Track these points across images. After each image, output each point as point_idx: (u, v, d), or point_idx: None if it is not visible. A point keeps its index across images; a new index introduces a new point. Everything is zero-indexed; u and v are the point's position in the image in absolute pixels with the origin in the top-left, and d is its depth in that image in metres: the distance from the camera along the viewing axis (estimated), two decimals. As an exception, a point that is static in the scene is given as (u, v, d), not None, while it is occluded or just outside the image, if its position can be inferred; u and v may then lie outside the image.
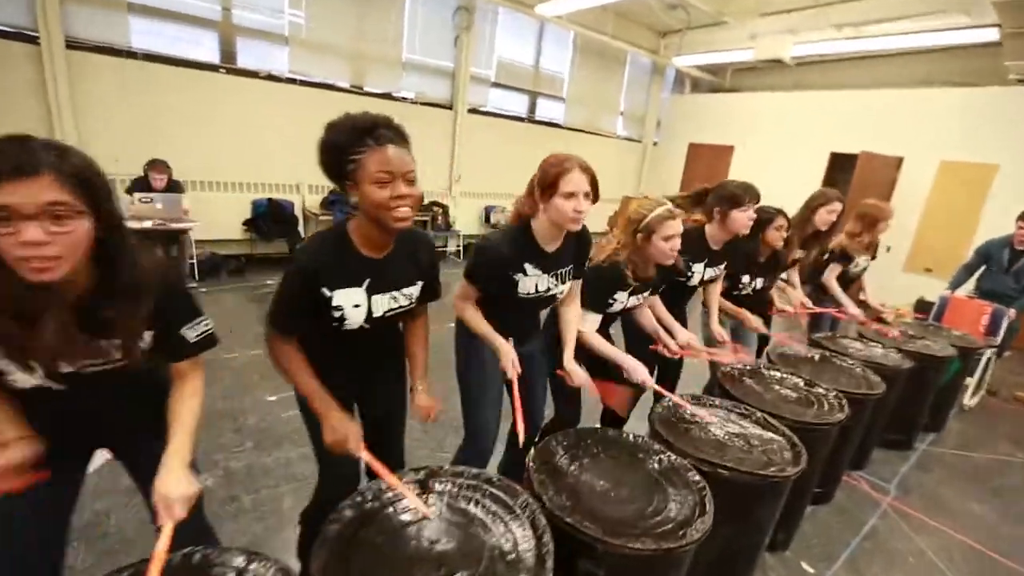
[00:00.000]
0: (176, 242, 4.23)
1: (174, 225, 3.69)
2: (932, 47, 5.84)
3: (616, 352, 1.81)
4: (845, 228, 2.96)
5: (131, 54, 4.46)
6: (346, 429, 1.17)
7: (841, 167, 6.59)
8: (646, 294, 1.98)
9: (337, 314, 1.17)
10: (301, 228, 5.47)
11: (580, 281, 1.71)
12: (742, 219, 2.12)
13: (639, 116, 8.93)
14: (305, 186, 5.56)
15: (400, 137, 1.10)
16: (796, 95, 7.24)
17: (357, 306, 1.19)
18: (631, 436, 1.52)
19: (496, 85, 6.96)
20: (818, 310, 2.89)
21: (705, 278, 2.27)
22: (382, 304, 1.24)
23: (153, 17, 4.51)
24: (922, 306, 5.36)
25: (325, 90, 5.51)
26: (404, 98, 6.13)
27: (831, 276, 3.05)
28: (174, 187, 4.29)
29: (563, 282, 1.61)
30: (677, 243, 1.76)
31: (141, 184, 4.11)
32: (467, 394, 1.63)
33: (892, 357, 2.57)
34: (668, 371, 2.45)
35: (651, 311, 2.14)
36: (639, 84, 8.66)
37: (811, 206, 2.74)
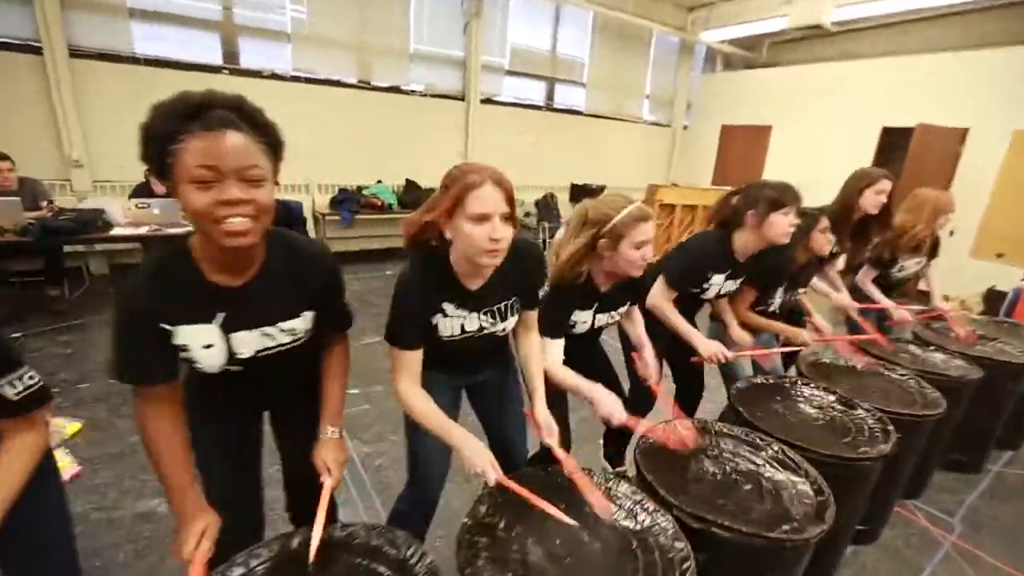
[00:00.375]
0: (180, 247, 4.17)
1: (169, 230, 3.62)
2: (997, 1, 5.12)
3: (583, 384, 1.42)
4: (896, 221, 2.50)
5: (134, 60, 4.44)
6: (202, 535, 0.91)
7: (895, 143, 5.92)
8: (622, 309, 1.66)
9: (184, 355, 0.92)
10: (311, 230, 5.37)
11: (536, 311, 1.38)
12: (782, 225, 1.75)
13: (667, 99, 8.40)
14: (315, 186, 5.46)
15: (248, 122, 0.82)
16: (840, 66, 6.56)
17: (209, 347, 0.93)
18: (603, 478, 1.22)
19: (511, 73, 6.65)
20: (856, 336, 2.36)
21: (722, 292, 1.95)
22: (249, 343, 0.97)
23: (154, 21, 4.48)
24: (993, 297, 4.72)
25: (331, 87, 5.38)
26: (413, 91, 5.92)
27: (866, 278, 2.59)
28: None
29: (503, 319, 1.27)
30: (650, 251, 1.41)
31: (143, 190, 4.06)
32: (412, 434, 1.35)
33: (957, 365, 2.14)
34: (685, 394, 2.14)
35: (666, 319, 1.83)
36: (666, 64, 8.13)
37: (856, 189, 2.32)
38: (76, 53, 4.18)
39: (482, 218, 1.02)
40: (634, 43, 7.59)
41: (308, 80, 5.25)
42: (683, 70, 8.26)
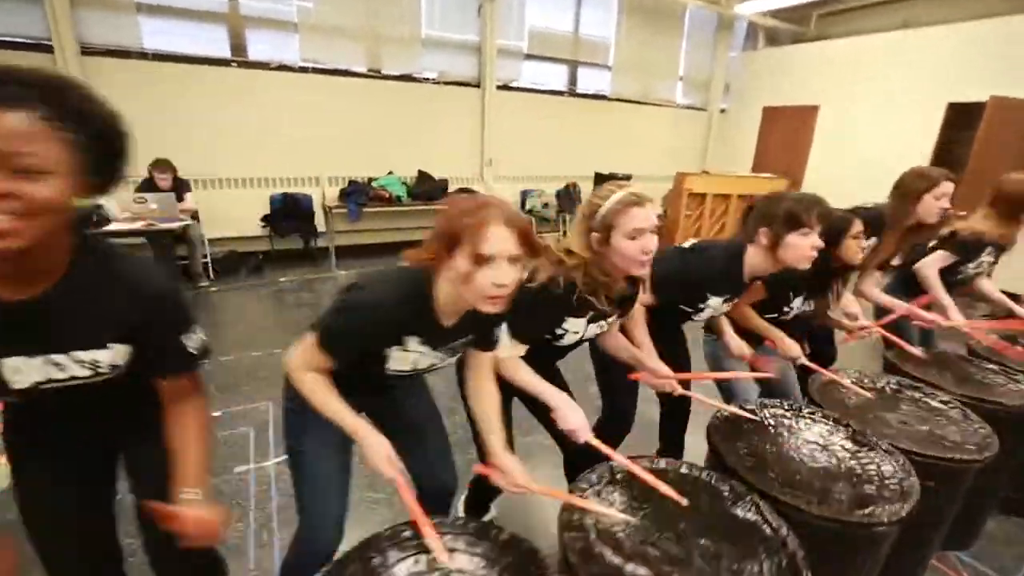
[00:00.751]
0: (184, 242, 4.17)
1: (163, 225, 3.60)
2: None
3: (547, 389, 1.26)
4: (989, 211, 2.10)
5: (143, 55, 4.46)
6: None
7: (963, 122, 5.22)
8: (612, 319, 1.42)
9: None
10: (321, 223, 5.30)
11: (490, 354, 1.22)
12: (802, 248, 1.45)
13: (703, 80, 7.82)
14: (325, 178, 5.37)
15: (59, 106, 0.66)
16: (899, 36, 5.85)
17: None
18: (510, 539, 0.96)
19: (530, 57, 6.33)
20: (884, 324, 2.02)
21: (719, 312, 1.67)
22: (28, 372, 0.79)
23: (162, 15, 4.47)
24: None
25: (340, 76, 5.25)
26: (426, 79, 5.72)
27: (933, 267, 2.17)
28: (181, 186, 4.23)
29: (454, 354, 1.16)
30: (650, 242, 1.20)
31: (146, 185, 4.09)
32: (299, 471, 1.16)
33: (1018, 390, 1.72)
34: (671, 417, 1.87)
35: (632, 330, 1.57)
36: (701, 43, 7.55)
37: (912, 194, 1.95)
38: (87, 50, 4.23)
39: (485, 260, 0.89)
40: (665, 20, 7.07)
41: (317, 70, 5.14)
42: (721, 48, 7.65)
